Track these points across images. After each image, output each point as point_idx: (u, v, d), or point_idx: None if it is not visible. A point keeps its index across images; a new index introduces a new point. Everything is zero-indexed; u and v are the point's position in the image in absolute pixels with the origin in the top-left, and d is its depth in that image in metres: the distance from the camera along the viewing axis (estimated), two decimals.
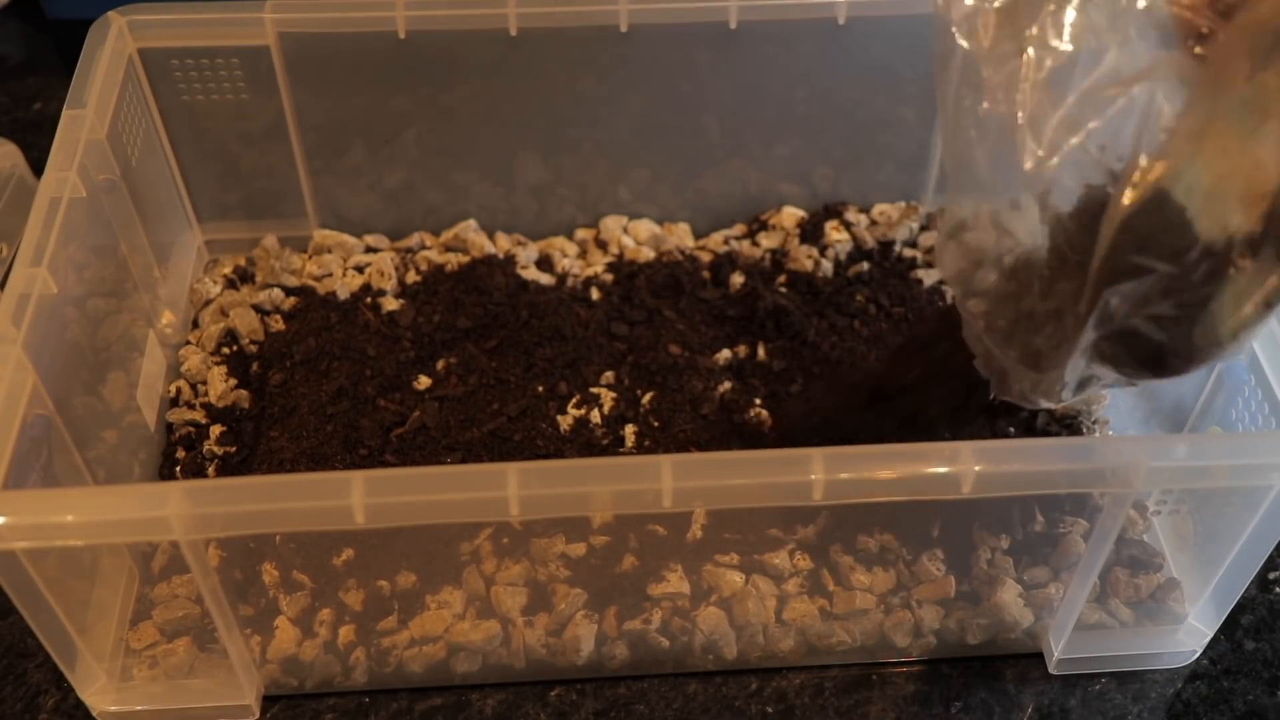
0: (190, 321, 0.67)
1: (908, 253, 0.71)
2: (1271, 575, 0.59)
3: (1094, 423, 0.63)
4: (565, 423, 0.61)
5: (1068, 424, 0.63)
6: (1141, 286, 0.40)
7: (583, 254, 0.72)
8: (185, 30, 0.62)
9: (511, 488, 0.43)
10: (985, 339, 0.46)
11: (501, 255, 0.70)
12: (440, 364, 0.63)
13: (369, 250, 0.71)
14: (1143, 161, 0.38)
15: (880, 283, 0.69)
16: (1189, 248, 0.38)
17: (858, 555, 0.53)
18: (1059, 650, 0.54)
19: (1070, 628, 0.53)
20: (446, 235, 0.71)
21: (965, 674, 0.55)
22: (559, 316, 0.65)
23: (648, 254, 0.71)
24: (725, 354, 0.65)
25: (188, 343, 0.66)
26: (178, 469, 0.60)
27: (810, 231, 0.72)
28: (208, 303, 0.68)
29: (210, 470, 0.60)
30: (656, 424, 0.61)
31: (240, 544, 0.51)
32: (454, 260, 0.69)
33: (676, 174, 0.72)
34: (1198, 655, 0.56)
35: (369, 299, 0.67)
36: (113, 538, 0.47)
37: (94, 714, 0.52)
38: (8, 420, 0.45)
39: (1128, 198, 0.38)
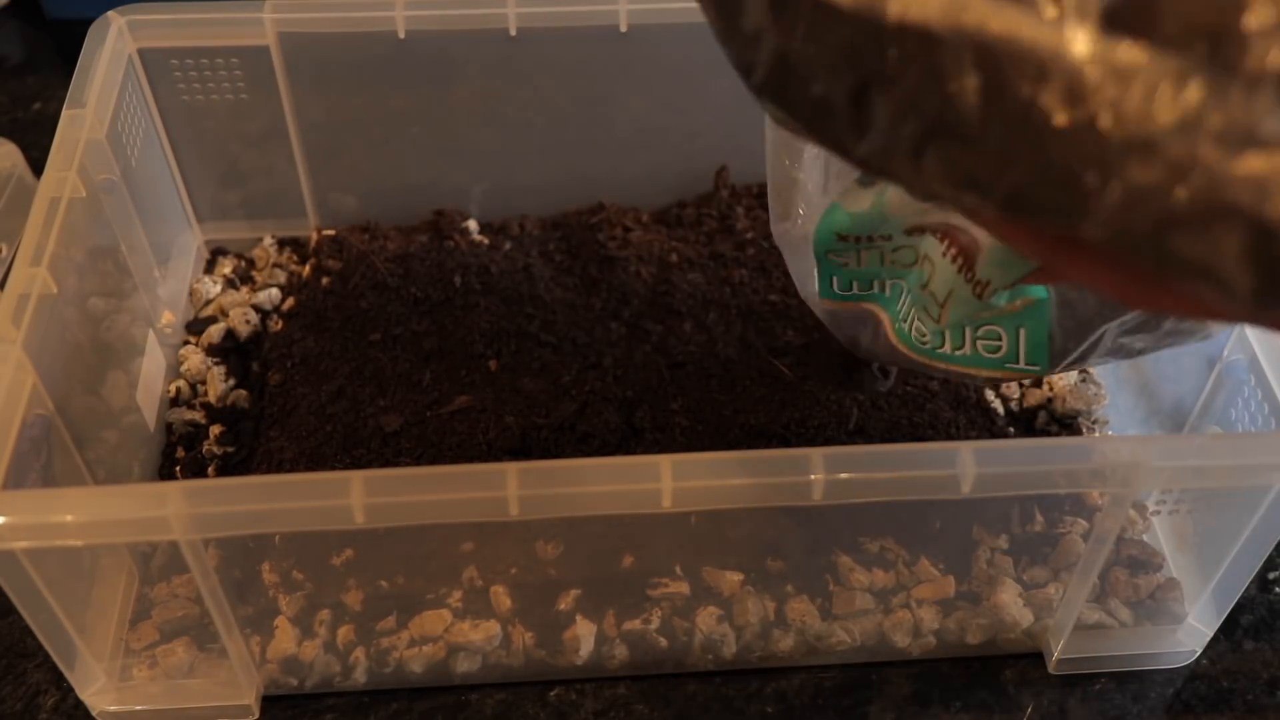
0: (190, 321, 0.67)
1: None
2: (1271, 575, 0.59)
3: (1094, 423, 0.63)
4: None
5: (1068, 424, 0.63)
6: None
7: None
8: (185, 30, 0.62)
9: (511, 488, 0.43)
10: None
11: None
12: (440, 363, 0.63)
13: None
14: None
15: None
16: None
17: (858, 555, 0.53)
18: (1058, 650, 0.54)
19: (1070, 628, 0.53)
20: None
21: (965, 674, 0.55)
22: (559, 315, 0.65)
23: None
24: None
25: (187, 343, 0.66)
26: (177, 469, 0.60)
27: None
28: (208, 303, 0.68)
29: (210, 470, 0.60)
30: (657, 421, 0.61)
31: (239, 544, 0.51)
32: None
33: (676, 173, 0.72)
34: (1197, 655, 0.56)
35: None
36: (112, 538, 0.47)
37: (94, 714, 0.52)
38: (8, 420, 0.45)
39: None
